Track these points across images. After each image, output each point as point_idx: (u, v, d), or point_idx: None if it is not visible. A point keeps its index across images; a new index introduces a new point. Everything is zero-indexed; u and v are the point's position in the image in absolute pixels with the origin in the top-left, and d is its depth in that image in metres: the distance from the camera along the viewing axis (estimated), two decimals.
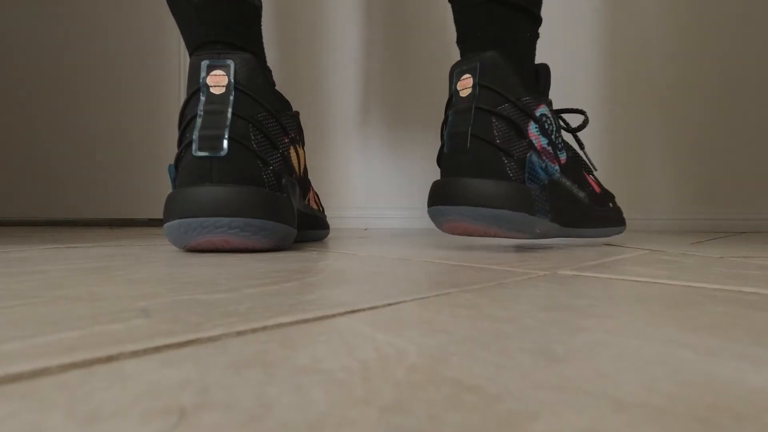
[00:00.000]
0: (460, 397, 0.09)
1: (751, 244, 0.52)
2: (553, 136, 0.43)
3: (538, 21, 0.45)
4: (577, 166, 0.46)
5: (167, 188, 1.22)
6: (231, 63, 0.39)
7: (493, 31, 0.43)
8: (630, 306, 0.18)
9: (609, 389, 0.09)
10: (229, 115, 0.38)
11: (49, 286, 0.21)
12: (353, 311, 0.16)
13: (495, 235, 0.41)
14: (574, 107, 0.48)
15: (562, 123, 0.46)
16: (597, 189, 0.47)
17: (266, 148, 0.40)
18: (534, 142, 0.41)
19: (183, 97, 1.19)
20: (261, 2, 0.47)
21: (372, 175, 1.06)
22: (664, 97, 0.93)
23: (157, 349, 0.12)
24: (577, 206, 0.45)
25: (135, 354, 0.11)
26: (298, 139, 0.47)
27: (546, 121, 0.42)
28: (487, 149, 0.40)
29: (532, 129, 0.41)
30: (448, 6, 0.46)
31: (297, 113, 0.47)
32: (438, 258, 0.35)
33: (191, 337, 0.13)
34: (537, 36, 0.46)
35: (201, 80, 0.39)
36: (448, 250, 0.43)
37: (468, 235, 0.42)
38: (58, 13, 1.25)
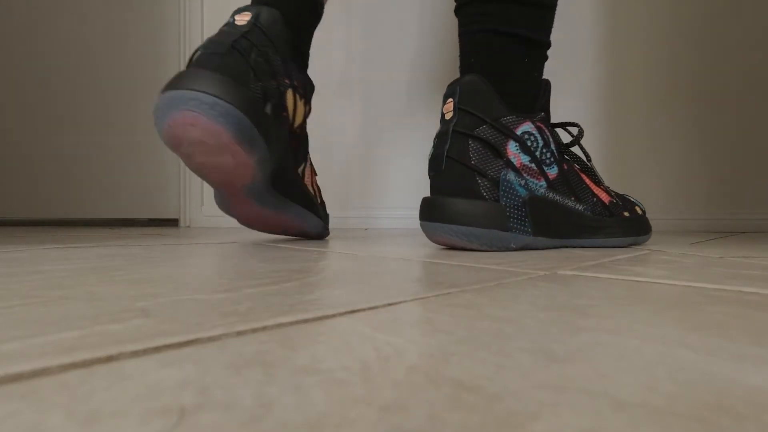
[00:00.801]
0: (460, 397, 0.09)
1: (751, 244, 0.52)
2: (537, 153, 0.43)
3: (540, 45, 0.46)
4: (576, 179, 0.46)
5: (168, 188, 1.23)
6: (256, 10, 0.44)
7: (482, 56, 0.45)
8: (630, 306, 0.18)
9: (609, 389, 0.09)
10: (240, 34, 0.43)
11: (49, 286, 0.21)
12: (353, 311, 0.16)
13: (475, 249, 0.42)
14: (571, 120, 0.49)
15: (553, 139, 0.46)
16: (606, 199, 0.47)
17: (263, 70, 0.44)
18: (513, 160, 0.42)
19: None
20: (323, 11, 0.52)
21: (372, 175, 1.06)
22: (664, 98, 0.93)
23: (157, 349, 0.12)
24: (569, 218, 0.45)
25: (135, 354, 0.11)
26: (303, 93, 0.49)
27: (529, 139, 0.43)
28: (461, 170, 0.41)
29: (512, 148, 0.42)
30: (446, 8, 0.47)
31: (311, 84, 0.51)
32: (438, 258, 0.35)
33: (191, 337, 0.13)
34: (541, 58, 0.47)
35: (229, 19, 0.45)
36: (447, 250, 0.43)
37: (453, 247, 0.43)
38: (57, 13, 1.25)
